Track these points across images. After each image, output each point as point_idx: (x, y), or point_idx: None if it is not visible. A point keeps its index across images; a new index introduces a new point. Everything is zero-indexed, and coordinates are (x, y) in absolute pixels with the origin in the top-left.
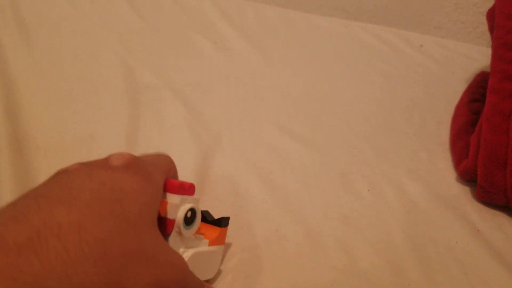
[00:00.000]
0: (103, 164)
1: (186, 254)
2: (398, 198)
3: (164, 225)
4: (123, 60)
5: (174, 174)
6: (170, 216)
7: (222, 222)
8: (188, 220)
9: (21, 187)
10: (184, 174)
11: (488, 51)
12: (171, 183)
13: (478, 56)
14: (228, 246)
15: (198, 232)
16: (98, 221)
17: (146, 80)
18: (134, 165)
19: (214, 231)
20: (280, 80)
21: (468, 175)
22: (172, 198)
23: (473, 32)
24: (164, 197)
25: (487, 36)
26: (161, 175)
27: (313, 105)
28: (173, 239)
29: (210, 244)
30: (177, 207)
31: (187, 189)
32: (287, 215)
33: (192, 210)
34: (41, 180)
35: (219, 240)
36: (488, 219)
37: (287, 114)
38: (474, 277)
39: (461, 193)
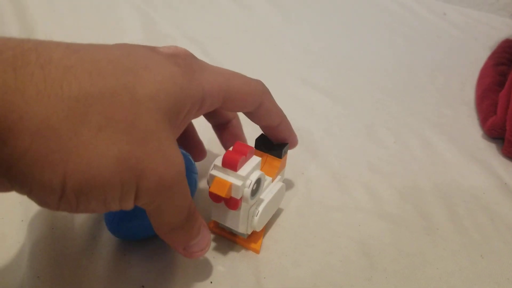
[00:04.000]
0: (151, 47)
1: (257, 213)
2: (423, 149)
3: (230, 203)
4: (143, 11)
5: (249, 102)
6: (235, 196)
7: (283, 152)
8: (254, 191)
9: None
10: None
11: (511, 22)
12: (231, 159)
13: (501, 26)
14: None
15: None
16: (94, 75)
17: (165, 31)
18: (181, 58)
19: (275, 163)
20: (300, 37)
21: (495, 131)
22: (235, 180)
23: (496, 3)
24: (224, 172)
25: (510, 8)
26: (211, 84)
27: (334, 61)
28: (243, 210)
29: (274, 179)
30: (242, 186)
31: (247, 157)
32: (312, 160)
33: (257, 180)
34: None
35: (280, 169)
36: None
37: (309, 68)
38: (501, 224)
39: (487, 149)
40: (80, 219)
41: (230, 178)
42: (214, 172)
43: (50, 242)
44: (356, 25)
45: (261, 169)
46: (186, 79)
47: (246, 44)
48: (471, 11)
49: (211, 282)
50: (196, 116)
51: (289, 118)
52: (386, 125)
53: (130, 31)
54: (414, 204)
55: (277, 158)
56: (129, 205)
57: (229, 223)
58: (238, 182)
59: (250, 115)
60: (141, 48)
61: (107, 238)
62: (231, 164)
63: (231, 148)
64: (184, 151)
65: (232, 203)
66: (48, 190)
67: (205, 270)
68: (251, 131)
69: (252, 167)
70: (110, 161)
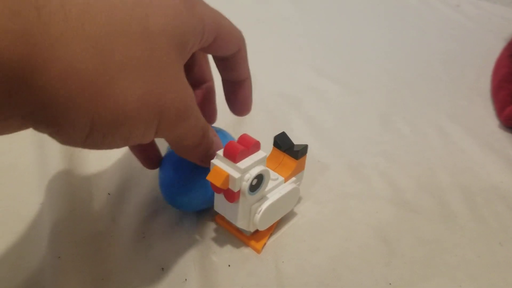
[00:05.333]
0: None
1: (259, 211)
2: (440, 139)
3: (228, 195)
4: None
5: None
6: (232, 188)
7: (299, 153)
8: (254, 187)
9: None
10: (219, 108)
11: None
12: (231, 150)
13: None
14: None
15: (275, 166)
16: (110, 10)
17: None
18: None
19: (290, 164)
20: (313, 27)
21: None
22: (233, 171)
23: None
24: (225, 162)
25: None
26: (209, 18)
27: (348, 51)
28: (241, 204)
29: (286, 180)
30: (240, 179)
31: (250, 151)
32: (327, 148)
33: (258, 176)
34: None
35: (296, 171)
36: None
37: (323, 58)
38: None
39: (504, 139)
40: (100, 202)
41: (228, 169)
42: (215, 161)
43: (70, 224)
44: (370, 16)
45: (275, 169)
46: (188, 12)
47: (259, 34)
48: (485, 3)
49: (229, 266)
50: (196, 49)
51: (302, 105)
52: (401, 115)
53: None
54: (432, 192)
55: (293, 159)
56: (149, 139)
57: (228, 216)
58: (235, 174)
59: (224, 63)
60: None
61: (126, 220)
62: (230, 154)
63: (236, 139)
64: (223, 131)
65: (229, 195)
66: (77, 130)
67: (224, 254)
68: (271, 131)
69: (254, 161)
70: (134, 99)
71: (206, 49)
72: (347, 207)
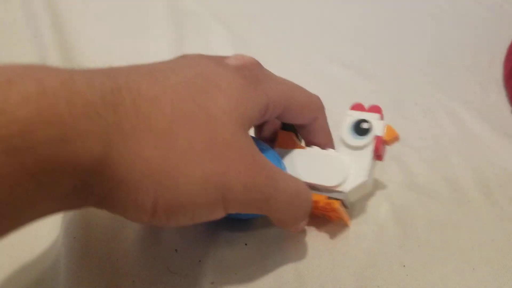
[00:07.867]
0: (219, 59)
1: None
2: (454, 124)
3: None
4: None
5: (310, 117)
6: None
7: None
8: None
9: None
10: None
11: None
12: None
13: None
14: None
15: None
16: (174, 102)
17: (189, 8)
18: (248, 69)
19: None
20: (326, 15)
21: None
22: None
23: None
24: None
25: None
26: (274, 91)
27: (360, 38)
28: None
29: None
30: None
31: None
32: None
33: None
34: None
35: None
36: None
37: (335, 45)
38: None
39: None
40: None
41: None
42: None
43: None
44: (382, 3)
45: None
46: (252, 88)
47: (272, 21)
48: None
49: (245, 244)
50: (259, 121)
51: (314, 91)
52: (414, 100)
53: (154, 8)
54: (445, 177)
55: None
56: (218, 216)
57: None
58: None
59: (302, 129)
60: (210, 64)
61: None
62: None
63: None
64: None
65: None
66: (142, 211)
67: (239, 233)
68: None
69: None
70: (196, 181)
71: (278, 118)
72: None
